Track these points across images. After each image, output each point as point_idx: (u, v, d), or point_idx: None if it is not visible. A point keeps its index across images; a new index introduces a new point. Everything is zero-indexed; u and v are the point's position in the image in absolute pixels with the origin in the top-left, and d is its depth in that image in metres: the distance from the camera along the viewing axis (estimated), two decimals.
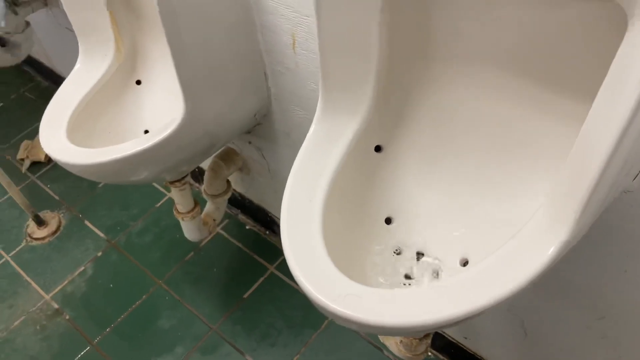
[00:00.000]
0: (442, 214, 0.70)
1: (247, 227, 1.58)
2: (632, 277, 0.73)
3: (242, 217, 1.60)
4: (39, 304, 1.46)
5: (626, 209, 0.65)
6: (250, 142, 1.25)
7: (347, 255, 0.62)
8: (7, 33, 1.52)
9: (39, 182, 1.77)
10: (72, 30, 1.59)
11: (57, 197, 1.72)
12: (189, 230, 1.32)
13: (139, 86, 1.17)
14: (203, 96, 0.94)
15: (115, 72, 1.11)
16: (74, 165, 0.94)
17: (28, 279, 1.52)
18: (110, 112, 1.12)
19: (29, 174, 1.79)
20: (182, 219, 1.28)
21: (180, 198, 1.23)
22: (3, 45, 1.57)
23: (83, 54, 1.08)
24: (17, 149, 1.85)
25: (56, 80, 2.02)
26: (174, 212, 1.27)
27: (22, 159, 1.82)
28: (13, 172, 1.78)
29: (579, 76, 0.56)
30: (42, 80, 2.12)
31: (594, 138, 0.45)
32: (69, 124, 1.00)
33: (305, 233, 0.58)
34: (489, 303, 0.50)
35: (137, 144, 0.93)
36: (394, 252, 0.71)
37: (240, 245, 1.54)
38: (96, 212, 1.66)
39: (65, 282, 1.50)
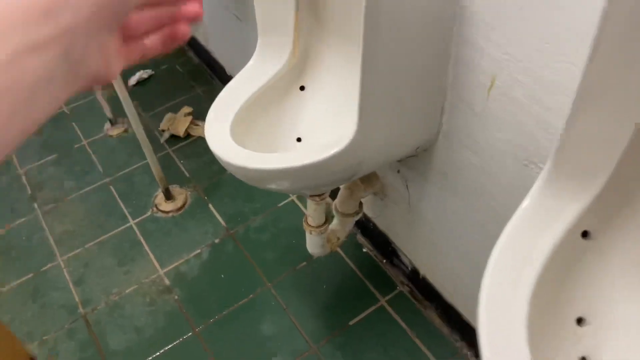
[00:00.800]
0: None
1: (364, 250, 1.51)
2: None
3: (360, 237, 1.54)
4: (152, 277, 1.50)
5: None
6: (398, 171, 1.18)
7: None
8: None
9: (174, 155, 1.82)
10: (239, 19, 1.61)
11: (187, 174, 1.76)
12: (313, 245, 1.27)
13: (302, 92, 1.14)
14: (376, 120, 0.88)
15: (284, 75, 1.08)
16: (229, 165, 0.92)
17: (147, 248, 1.56)
18: (269, 114, 1.10)
19: (166, 146, 1.85)
20: (310, 232, 1.24)
21: (314, 211, 1.19)
22: None
23: (260, 51, 1.06)
24: (160, 119, 1.92)
25: (209, 61, 2.07)
26: (304, 224, 1.24)
27: (163, 130, 1.88)
28: (152, 141, 1.85)
29: None
30: (195, 57, 2.19)
31: None
32: (234, 120, 0.99)
33: (507, 325, 0.50)
34: None
35: (296, 159, 0.89)
36: None
37: (354, 267, 1.48)
38: (221, 198, 1.67)
39: (181, 260, 1.52)
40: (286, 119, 1.12)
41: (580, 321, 0.63)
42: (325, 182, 1.00)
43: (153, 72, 2.14)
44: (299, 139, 1.12)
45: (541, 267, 0.54)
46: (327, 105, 1.13)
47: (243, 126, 1.03)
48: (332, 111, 1.12)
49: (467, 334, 1.27)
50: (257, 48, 1.06)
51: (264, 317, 1.39)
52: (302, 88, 1.13)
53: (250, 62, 1.06)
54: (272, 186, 1.03)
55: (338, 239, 1.33)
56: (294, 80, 1.12)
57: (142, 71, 2.11)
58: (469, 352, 1.28)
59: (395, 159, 1.10)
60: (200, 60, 2.16)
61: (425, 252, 1.29)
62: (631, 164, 0.56)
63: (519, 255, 0.54)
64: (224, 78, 1.99)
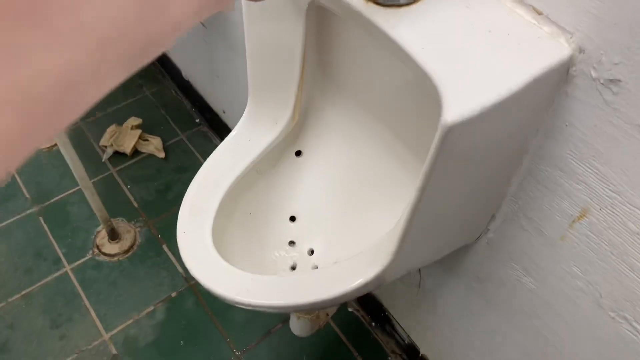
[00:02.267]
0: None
1: (350, 310, 1.31)
2: None
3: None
4: (95, 343, 1.23)
5: None
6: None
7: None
8: None
9: (119, 179, 1.52)
10: (204, 26, 1.30)
11: (136, 204, 1.47)
12: (301, 328, 1.05)
13: (298, 158, 0.88)
14: (413, 245, 0.65)
15: (280, 139, 0.83)
16: (223, 299, 0.67)
17: (87, 303, 1.29)
18: (258, 185, 0.85)
19: (109, 166, 1.54)
20: (298, 317, 1.02)
21: None
22: None
23: (249, 115, 0.80)
24: (102, 128, 1.60)
25: (161, 58, 1.74)
26: None
27: (105, 146, 1.56)
28: (91, 158, 1.54)
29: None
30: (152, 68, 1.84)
31: None
32: (216, 216, 0.73)
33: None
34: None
35: (302, 295, 0.67)
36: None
37: (338, 330, 1.28)
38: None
39: (130, 321, 1.26)
40: (278, 190, 0.87)
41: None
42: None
43: None
44: (292, 218, 0.88)
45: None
46: (327, 175, 0.89)
47: (226, 208, 0.77)
48: (332, 183, 0.89)
49: None
50: (246, 111, 0.80)
51: None
52: (298, 153, 0.88)
53: (234, 132, 0.79)
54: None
55: (327, 314, 1.12)
56: (289, 144, 0.86)
57: None
58: None
59: (421, 267, 0.89)
60: (158, 67, 1.82)
61: (430, 335, 1.10)
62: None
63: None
64: (178, 80, 1.68)
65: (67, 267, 1.35)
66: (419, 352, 1.16)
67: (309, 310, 0.92)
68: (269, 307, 0.66)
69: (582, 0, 0.48)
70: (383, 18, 0.53)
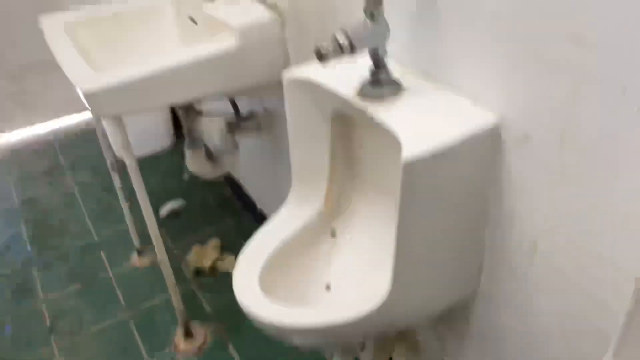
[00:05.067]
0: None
1: None
2: None
3: None
4: None
5: None
6: (436, 327, 1.11)
7: None
8: (219, 150, 1.62)
9: (198, 290, 1.78)
10: (274, 158, 1.65)
11: (209, 310, 1.70)
12: None
13: (332, 238, 1.11)
14: (409, 280, 0.84)
15: (316, 221, 1.07)
16: (259, 321, 0.88)
17: None
18: (298, 260, 1.07)
19: (191, 280, 1.82)
20: None
21: None
22: (210, 159, 1.67)
23: (293, 197, 1.06)
24: (188, 250, 1.91)
25: (241, 195, 2.11)
26: None
27: (190, 263, 1.86)
28: (178, 274, 1.82)
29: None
30: (227, 190, 2.23)
31: None
32: (263, 269, 0.96)
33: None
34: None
35: (323, 316, 0.85)
36: None
37: None
38: (243, 340, 1.60)
39: None
40: (316, 265, 1.08)
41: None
42: (353, 339, 0.94)
43: (184, 203, 2.18)
44: (328, 287, 1.08)
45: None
46: (358, 253, 1.10)
47: (272, 273, 0.99)
48: (363, 259, 1.09)
49: None
50: (290, 193, 1.07)
51: None
52: (333, 234, 1.11)
53: (283, 208, 1.06)
54: (297, 342, 0.97)
55: None
56: (324, 226, 1.10)
57: (173, 201, 2.15)
58: None
59: (430, 317, 1.04)
60: (232, 192, 2.20)
61: None
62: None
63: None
64: (255, 212, 2.01)
65: None
66: None
67: (329, 341, 1.04)
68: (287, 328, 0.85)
69: (502, 92, 0.73)
70: (373, 108, 0.81)
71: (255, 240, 1.01)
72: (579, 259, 0.71)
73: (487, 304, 0.93)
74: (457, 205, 0.80)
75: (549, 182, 0.71)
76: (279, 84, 0.97)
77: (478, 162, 0.77)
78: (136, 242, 1.90)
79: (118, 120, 1.25)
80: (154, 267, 1.86)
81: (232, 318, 1.67)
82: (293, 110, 0.98)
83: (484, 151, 0.77)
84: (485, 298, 0.93)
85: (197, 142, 1.65)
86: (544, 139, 0.69)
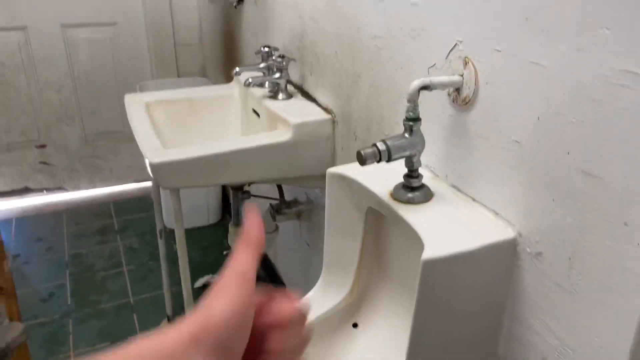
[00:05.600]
0: None
1: None
2: None
3: None
4: None
5: None
6: None
7: None
8: None
9: None
10: (309, 245, 1.74)
11: None
12: None
13: (354, 329, 1.16)
14: None
15: (341, 309, 1.13)
16: None
17: None
18: (320, 346, 1.12)
19: None
20: None
21: None
22: None
23: (322, 283, 1.13)
24: None
25: (274, 277, 2.18)
26: None
27: None
28: None
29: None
30: (260, 271, 2.31)
31: None
32: None
33: None
34: None
35: None
36: None
37: None
38: None
39: None
40: (335, 354, 1.13)
41: None
42: None
43: (216, 277, 2.26)
44: None
45: None
46: (378, 345, 1.14)
47: None
48: (381, 351, 1.13)
49: None
50: (319, 280, 1.14)
51: None
52: (355, 325, 1.16)
53: (311, 293, 1.12)
54: None
55: None
56: (347, 316, 1.15)
57: (209, 276, 2.24)
58: None
59: None
60: (265, 274, 2.27)
61: None
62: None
63: None
64: None
65: None
66: None
67: None
68: None
69: (520, 209, 0.81)
70: (403, 210, 0.90)
71: None
72: None
73: None
74: (472, 310, 0.85)
75: (559, 300, 0.76)
76: (323, 177, 1.08)
77: (494, 271, 0.83)
78: (169, 309, 1.98)
79: (175, 192, 1.38)
80: None
81: None
82: (332, 203, 1.08)
83: (500, 261, 0.83)
84: None
85: (241, 221, 1.76)
86: (555, 259, 0.76)
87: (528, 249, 0.80)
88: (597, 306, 0.70)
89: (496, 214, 0.86)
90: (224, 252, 2.40)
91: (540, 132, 0.74)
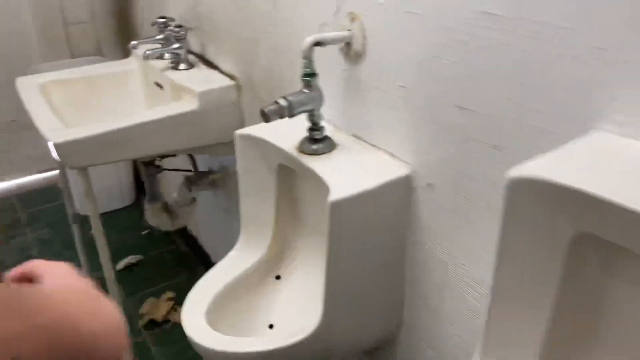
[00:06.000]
0: None
1: None
2: None
3: None
4: None
5: None
6: None
7: None
8: (177, 204, 1.73)
9: (149, 341, 1.83)
10: (227, 212, 1.77)
11: None
12: None
13: (277, 280, 1.23)
14: (339, 312, 0.96)
15: (263, 264, 1.19)
16: (205, 349, 0.97)
17: None
18: (245, 300, 1.17)
19: (142, 331, 1.87)
20: None
21: None
22: (168, 212, 1.78)
23: (242, 241, 1.18)
24: (141, 302, 1.97)
25: (197, 249, 2.20)
26: None
27: (142, 314, 1.92)
28: (130, 326, 1.87)
29: None
30: (183, 245, 2.31)
31: None
32: (210, 307, 1.07)
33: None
34: None
35: (263, 344, 0.96)
36: None
37: None
38: None
39: None
40: (260, 305, 1.19)
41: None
42: None
43: (142, 258, 2.25)
44: (270, 326, 1.18)
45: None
46: (300, 294, 1.21)
47: (219, 313, 1.09)
48: (304, 300, 1.20)
49: None
50: (239, 239, 1.19)
51: None
52: (277, 277, 1.23)
53: (232, 252, 1.17)
54: None
55: None
56: (269, 269, 1.22)
57: (131, 256, 2.22)
58: None
59: (362, 348, 1.15)
60: (188, 247, 2.28)
61: None
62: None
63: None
64: (209, 266, 2.09)
65: None
66: None
67: None
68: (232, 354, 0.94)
69: (412, 148, 0.90)
70: (309, 161, 0.96)
71: (203, 281, 1.12)
72: (478, 289, 0.85)
73: (409, 340, 1.05)
74: (379, 243, 0.94)
75: (450, 223, 0.86)
76: (233, 143, 1.12)
77: (394, 205, 0.92)
78: None
79: (83, 173, 1.36)
80: None
81: None
82: (243, 164, 1.12)
83: (399, 196, 0.92)
84: (408, 333, 1.05)
85: (156, 196, 1.76)
86: (443, 187, 0.85)
87: (421, 182, 0.90)
88: (482, 224, 0.81)
89: (392, 155, 0.94)
90: (142, 232, 2.37)
91: (421, 75, 0.83)
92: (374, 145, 0.98)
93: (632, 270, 0.57)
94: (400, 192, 0.92)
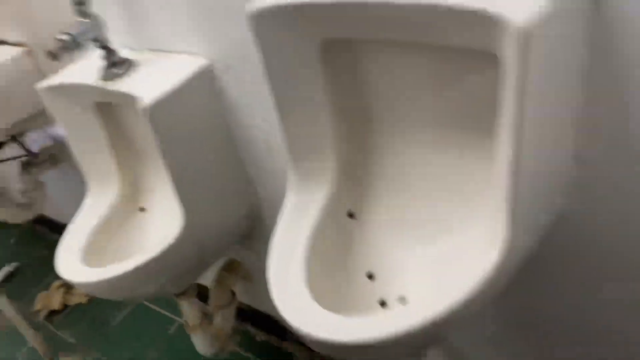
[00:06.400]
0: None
1: (259, 339, 1.61)
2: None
3: (252, 329, 1.63)
4: None
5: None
6: (250, 249, 1.34)
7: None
8: (24, 193, 1.69)
9: (56, 330, 1.83)
10: (80, 184, 1.76)
11: (74, 341, 1.76)
12: (201, 344, 1.35)
13: (143, 213, 1.29)
14: (198, 206, 1.05)
15: (121, 202, 1.23)
16: (87, 285, 1.03)
17: None
18: (117, 237, 1.22)
19: (46, 323, 1.86)
20: (194, 333, 1.33)
21: (189, 312, 1.30)
22: (18, 203, 1.73)
23: (91, 190, 1.22)
24: (33, 303, 1.94)
25: (61, 232, 2.15)
26: (185, 328, 1.33)
27: (39, 310, 1.89)
28: (31, 325, 1.85)
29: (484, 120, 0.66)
30: (55, 235, 2.25)
31: (499, 169, 0.56)
32: (83, 251, 1.11)
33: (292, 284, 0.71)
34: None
35: (137, 260, 1.03)
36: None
37: None
38: (113, 352, 1.70)
39: None
40: (134, 238, 1.23)
41: (371, 277, 0.81)
42: (177, 272, 1.12)
43: (18, 264, 2.17)
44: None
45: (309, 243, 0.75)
46: (168, 219, 1.25)
47: (96, 255, 1.14)
48: (172, 222, 1.27)
49: None
50: (89, 189, 1.22)
51: None
52: (142, 209, 1.28)
53: (85, 201, 1.20)
54: (140, 291, 1.12)
55: (225, 334, 1.42)
56: (131, 205, 1.25)
57: (6, 266, 2.13)
58: None
59: (235, 231, 1.25)
60: (56, 233, 2.22)
61: None
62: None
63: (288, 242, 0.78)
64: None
65: None
66: None
67: (160, 280, 1.11)
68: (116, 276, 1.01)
69: (204, 41, 0.97)
70: (115, 86, 1.00)
71: (71, 227, 1.16)
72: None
73: (269, 206, 1.18)
74: (206, 132, 1.03)
75: (255, 96, 0.97)
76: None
77: (204, 96, 1.01)
78: None
79: None
80: (7, 330, 1.87)
81: (99, 337, 1.75)
82: (60, 117, 1.14)
83: (205, 86, 1.00)
84: (267, 201, 1.18)
85: None
86: (240, 65, 0.95)
87: (220, 66, 0.99)
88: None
89: (190, 53, 1.02)
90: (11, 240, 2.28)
91: None
92: (171, 52, 1.05)
93: (380, 57, 0.72)
94: (205, 81, 1.00)
